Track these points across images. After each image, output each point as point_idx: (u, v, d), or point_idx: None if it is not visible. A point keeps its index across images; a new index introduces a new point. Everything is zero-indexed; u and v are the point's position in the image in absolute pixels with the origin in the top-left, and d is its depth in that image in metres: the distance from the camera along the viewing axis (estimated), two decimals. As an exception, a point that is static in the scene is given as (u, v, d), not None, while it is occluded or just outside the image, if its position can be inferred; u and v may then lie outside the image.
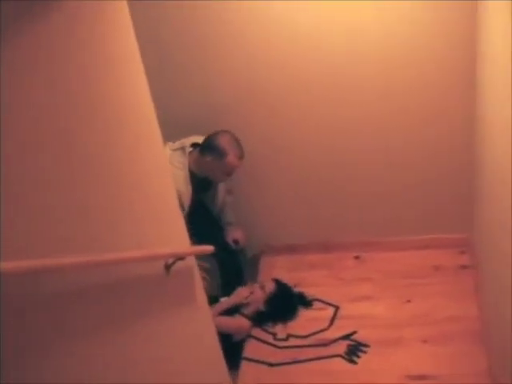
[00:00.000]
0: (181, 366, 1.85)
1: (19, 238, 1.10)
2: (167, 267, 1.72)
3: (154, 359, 1.67)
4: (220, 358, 2.23)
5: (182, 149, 2.74)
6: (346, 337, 2.75)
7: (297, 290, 3.05)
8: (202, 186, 2.83)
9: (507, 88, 1.77)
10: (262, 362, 2.68)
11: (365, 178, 3.11)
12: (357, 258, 3.30)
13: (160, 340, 1.72)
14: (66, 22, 1.28)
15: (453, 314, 2.77)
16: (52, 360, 1.21)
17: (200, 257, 2.11)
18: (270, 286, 2.94)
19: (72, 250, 1.26)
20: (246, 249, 3.18)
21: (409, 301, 2.91)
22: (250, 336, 2.83)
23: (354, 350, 2.67)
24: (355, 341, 2.72)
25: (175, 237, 1.87)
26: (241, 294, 2.88)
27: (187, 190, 2.69)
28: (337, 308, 2.95)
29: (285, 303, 2.95)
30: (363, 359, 2.62)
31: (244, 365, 2.68)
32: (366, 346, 2.68)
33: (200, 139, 2.77)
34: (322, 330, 2.82)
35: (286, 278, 3.09)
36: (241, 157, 2.71)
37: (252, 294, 2.88)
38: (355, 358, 2.63)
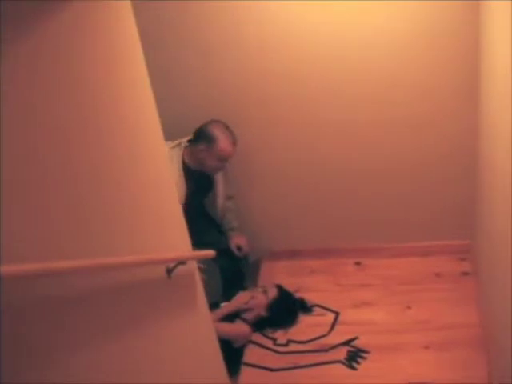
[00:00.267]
0: (181, 370, 1.85)
1: (19, 239, 1.09)
2: (169, 271, 1.72)
3: (154, 363, 1.66)
4: (220, 362, 2.22)
5: (179, 145, 2.77)
6: (347, 343, 2.74)
7: (297, 295, 3.05)
8: (198, 180, 2.82)
9: (509, 94, 1.78)
10: (262, 368, 2.68)
11: (366, 184, 3.11)
12: (358, 264, 3.30)
13: (161, 344, 1.72)
14: (69, 23, 1.28)
15: (454, 321, 2.77)
16: (52, 364, 1.20)
17: (201, 261, 2.11)
18: (273, 292, 2.94)
19: (72, 253, 1.25)
20: (250, 255, 3.18)
21: (409, 307, 2.91)
22: (250, 341, 2.83)
23: (354, 356, 2.66)
24: (355, 347, 2.72)
25: (177, 241, 1.87)
26: (241, 299, 2.88)
27: (180, 181, 2.69)
28: (337, 314, 2.95)
29: (287, 310, 2.95)
30: (363, 365, 2.62)
31: (244, 370, 2.68)
32: (366, 352, 2.68)
33: None
34: (322, 336, 2.82)
35: (287, 284, 3.09)
36: (233, 142, 2.72)
37: (253, 299, 2.87)
38: (355, 364, 2.63)
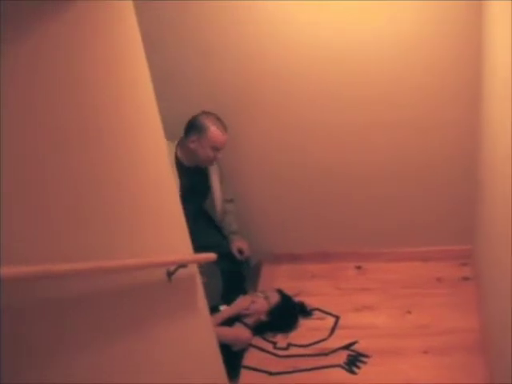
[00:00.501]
0: (181, 373, 1.85)
1: (19, 240, 1.09)
2: (169, 274, 1.72)
3: (154, 365, 1.66)
4: (220, 365, 2.22)
5: (172, 141, 2.76)
6: (347, 347, 2.74)
7: (297, 299, 3.05)
8: (193, 177, 2.81)
9: (508, 97, 1.78)
10: (262, 371, 2.68)
11: (367, 189, 3.11)
12: (358, 268, 3.30)
13: (161, 347, 1.72)
14: (71, 23, 1.28)
15: (454, 326, 2.76)
16: (52, 366, 1.21)
17: (202, 263, 2.11)
18: (275, 298, 2.94)
19: (72, 255, 1.25)
20: (251, 258, 3.18)
21: (410, 312, 2.91)
22: (250, 345, 2.83)
23: (354, 361, 2.66)
24: (355, 351, 2.71)
25: (178, 244, 1.87)
26: (242, 304, 2.87)
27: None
28: (337, 318, 2.95)
29: (287, 315, 2.95)
30: (363, 369, 2.61)
31: (244, 373, 2.68)
32: (366, 356, 2.68)
33: None
34: (322, 340, 2.82)
35: (287, 287, 3.09)
36: (224, 130, 2.73)
37: (254, 304, 2.87)
38: (355, 369, 2.63)
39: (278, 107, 2.93)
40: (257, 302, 2.88)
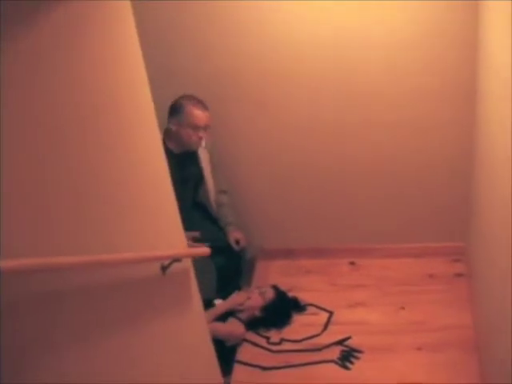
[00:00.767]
0: (175, 367, 1.85)
1: (19, 236, 1.10)
2: (163, 269, 1.71)
3: (148, 359, 1.66)
4: (214, 359, 2.23)
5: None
6: (340, 342, 2.75)
7: (291, 294, 3.05)
8: (183, 165, 2.80)
9: (508, 98, 1.78)
10: (255, 366, 2.67)
11: (361, 185, 3.11)
12: (352, 264, 3.31)
13: (154, 340, 1.72)
14: (68, 22, 1.28)
15: (447, 322, 2.77)
16: (47, 359, 1.21)
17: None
18: (270, 294, 2.93)
19: (69, 251, 1.26)
20: (247, 249, 3.17)
21: (403, 308, 2.92)
22: (243, 340, 2.83)
23: (348, 356, 2.67)
24: (349, 346, 2.72)
25: (172, 238, 1.87)
26: (237, 299, 2.86)
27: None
28: (331, 313, 2.95)
29: (281, 311, 2.94)
30: (356, 365, 2.62)
31: (237, 368, 2.68)
32: (359, 352, 2.68)
33: None
34: (315, 335, 2.82)
35: (282, 283, 3.09)
36: (203, 108, 2.70)
37: (249, 300, 2.86)
38: (348, 364, 2.63)
39: (278, 107, 2.93)
40: (252, 298, 2.88)
